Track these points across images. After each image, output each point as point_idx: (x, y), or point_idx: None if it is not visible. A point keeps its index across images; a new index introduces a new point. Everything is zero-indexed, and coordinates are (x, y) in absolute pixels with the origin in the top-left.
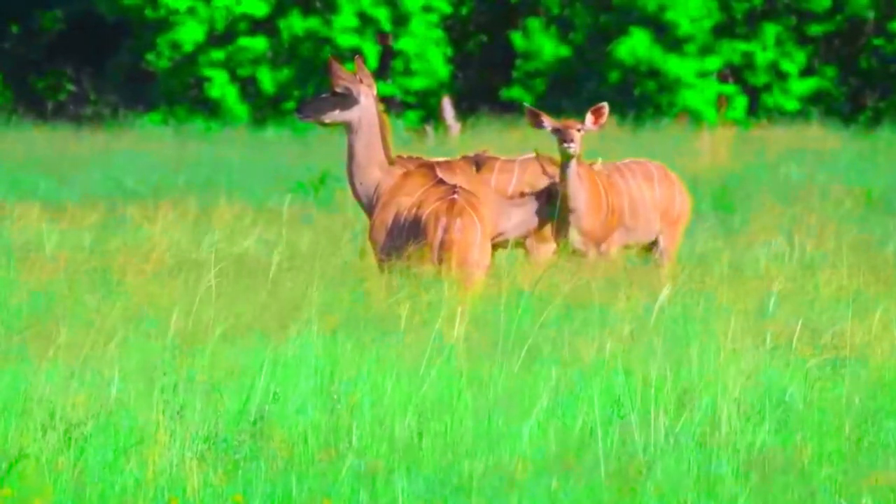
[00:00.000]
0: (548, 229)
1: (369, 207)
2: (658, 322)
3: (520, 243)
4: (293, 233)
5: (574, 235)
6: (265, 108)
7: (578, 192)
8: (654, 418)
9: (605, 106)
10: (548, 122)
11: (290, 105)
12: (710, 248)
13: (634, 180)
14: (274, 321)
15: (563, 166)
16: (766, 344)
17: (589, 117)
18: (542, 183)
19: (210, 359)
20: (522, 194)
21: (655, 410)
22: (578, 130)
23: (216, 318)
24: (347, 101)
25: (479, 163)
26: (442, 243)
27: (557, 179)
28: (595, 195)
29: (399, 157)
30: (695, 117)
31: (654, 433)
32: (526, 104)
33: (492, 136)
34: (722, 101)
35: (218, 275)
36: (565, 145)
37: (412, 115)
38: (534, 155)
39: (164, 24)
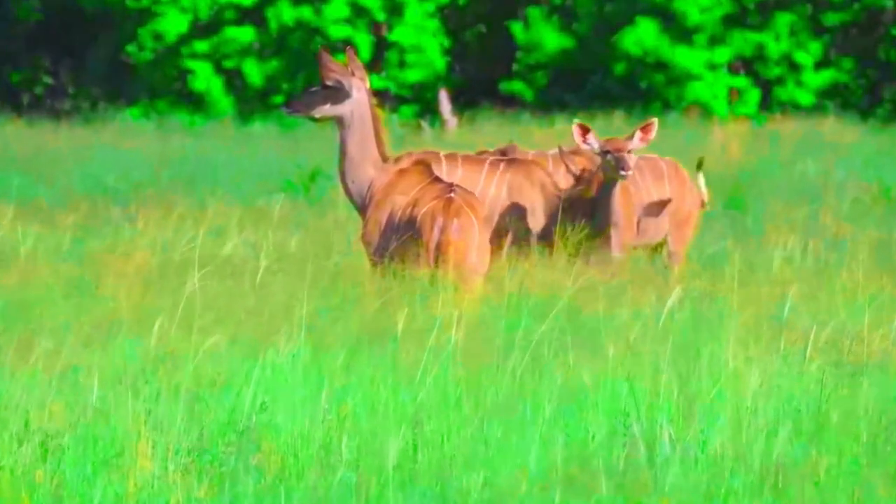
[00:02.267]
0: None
1: (362, 206)
2: (666, 327)
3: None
4: (282, 233)
5: (614, 250)
6: (252, 102)
7: (620, 209)
8: (660, 429)
9: (655, 122)
10: (597, 142)
11: (279, 99)
12: (722, 249)
13: (643, 181)
14: (262, 327)
15: (610, 186)
16: (779, 350)
17: (637, 134)
18: (569, 179)
19: (194, 366)
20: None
21: (662, 421)
22: (629, 152)
23: (200, 323)
24: (339, 94)
25: (505, 155)
26: (438, 244)
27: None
28: (630, 208)
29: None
30: (705, 111)
31: (661, 445)
32: (576, 120)
33: (491, 132)
34: (733, 95)
35: (203, 278)
36: (623, 172)
37: (407, 110)
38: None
39: (146, 14)
